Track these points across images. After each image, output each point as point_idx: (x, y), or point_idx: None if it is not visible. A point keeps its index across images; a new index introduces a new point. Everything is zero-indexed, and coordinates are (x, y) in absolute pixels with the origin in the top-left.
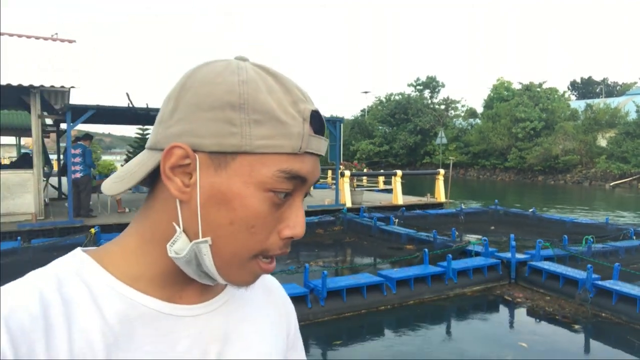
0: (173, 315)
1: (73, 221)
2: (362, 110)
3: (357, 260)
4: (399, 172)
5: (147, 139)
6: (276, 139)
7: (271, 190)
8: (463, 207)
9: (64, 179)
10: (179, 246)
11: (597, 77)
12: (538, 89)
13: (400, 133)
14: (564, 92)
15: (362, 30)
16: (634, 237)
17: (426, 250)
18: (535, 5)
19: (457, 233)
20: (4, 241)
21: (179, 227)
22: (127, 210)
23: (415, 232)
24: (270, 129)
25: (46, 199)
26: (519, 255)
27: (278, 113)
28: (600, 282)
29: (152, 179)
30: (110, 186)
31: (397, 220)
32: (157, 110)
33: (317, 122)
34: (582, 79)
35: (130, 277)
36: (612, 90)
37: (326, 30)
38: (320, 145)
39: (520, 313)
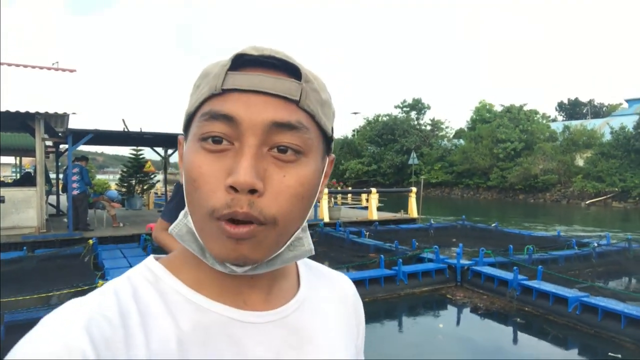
0: (244, 321)
1: (72, 234)
2: (353, 130)
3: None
4: (374, 190)
5: (141, 159)
6: (201, 89)
7: (201, 139)
8: (432, 222)
9: (61, 197)
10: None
11: (584, 99)
12: (520, 111)
13: (388, 153)
14: (544, 113)
15: (351, 51)
16: (576, 247)
17: (382, 256)
18: (523, 27)
19: (417, 244)
20: (11, 251)
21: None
22: (121, 224)
23: (382, 243)
24: (203, 86)
25: (46, 215)
26: (465, 261)
27: (210, 70)
28: (524, 282)
29: None
30: None
31: (368, 233)
32: (149, 134)
33: (278, 64)
34: (569, 100)
35: (196, 282)
36: (599, 111)
37: (316, 50)
38: (254, 80)
39: (458, 309)
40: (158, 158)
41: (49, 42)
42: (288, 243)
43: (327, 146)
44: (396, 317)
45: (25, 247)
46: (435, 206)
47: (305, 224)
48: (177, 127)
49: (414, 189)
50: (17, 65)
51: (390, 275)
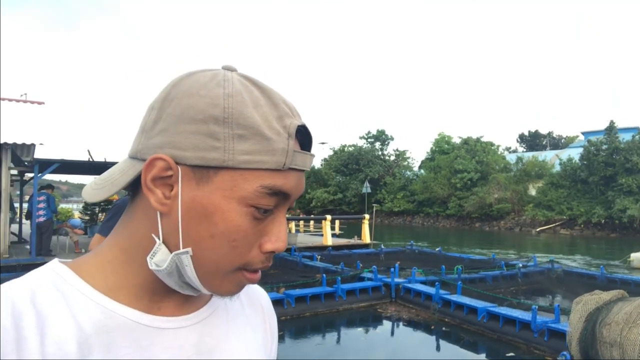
0: (153, 327)
1: (35, 259)
2: (322, 160)
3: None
4: (328, 217)
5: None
6: (260, 154)
7: (253, 206)
8: (383, 247)
9: (23, 226)
10: (159, 258)
11: (544, 131)
12: (476, 143)
13: (353, 182)
14: (498, 146)
15: (319, 84)
16: (505, 268)
17: (324, 275)
18: (485, 60)
19: (361, 265)
20: None
21: (159, 238)
22: (83, 250)
23: (331, 265)
24: (254, 145)
25: (8, 242)
26: (399, 280)
27: (263, 128)
28: (444, 296)
29: (134, 187)
30: (90, 193)
31: (320, 257)
32: (114, 163)
33: (304, 137)
34: (529, 132)
35: (108, 287)
36: (557, 142)
37: (284, 81)
38: (306, 160)
39: (387, 321)
40: None
41: (19, 70)
42: None
43: None
44: (334, 328)
45: None
46: (397, 234)
47: None
48: None
49: (367, 216)
50: None
51: (331, 292)
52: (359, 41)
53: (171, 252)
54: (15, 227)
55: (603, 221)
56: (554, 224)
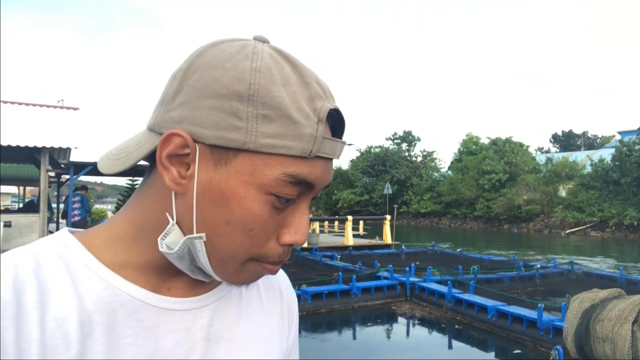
0: (159, 307)
1: None
2: (350, 161)
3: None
4: (350, 218)
5: (136, 188)
6: (285, 139)
7: (273, 194)
8: (404, 248)
9: (60, 225)
10: (171, 239)
11: (578, 130)
12: (505, 143)
13: (379, 183)
14: (527, 147)
15: (345, 85)
16: (523, 269)
17: (340, 273)
18: (516, 58)
19: (379, 265)
20: None
21: (173, 219)
22: None
23: (350, 264)
24: (279, 127)
25: None
26: (414, 279)
27: (290, 110)
28: (456, 294)
29: (150, 160)
30: (106, 163)
31: (340, 256)
32: (144, 166)
33: (335, 121)
34: (563, 132)
35: (116, 263)
36: (593, 142)
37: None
38: (336, 148)
39: (400, 319)
40: None
41: (55, 77)
42: None
43: None
44: (349, 324)
45: None
46: (424, 235)
47: None
48: None
49: (388, 217)
50: (27, 104)
51: (346, 290)
52: (385, 41)
53: (184, 235)
54: (52, 226)
55: (636, 223)
56: (584, 226)
